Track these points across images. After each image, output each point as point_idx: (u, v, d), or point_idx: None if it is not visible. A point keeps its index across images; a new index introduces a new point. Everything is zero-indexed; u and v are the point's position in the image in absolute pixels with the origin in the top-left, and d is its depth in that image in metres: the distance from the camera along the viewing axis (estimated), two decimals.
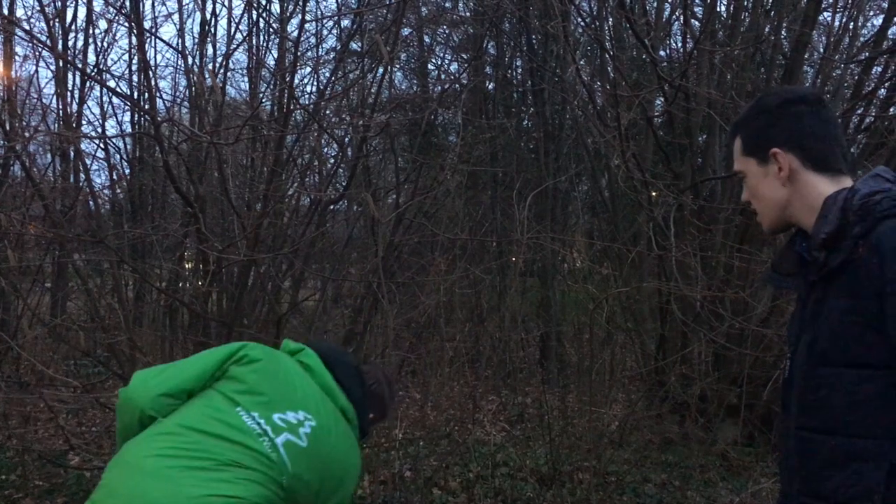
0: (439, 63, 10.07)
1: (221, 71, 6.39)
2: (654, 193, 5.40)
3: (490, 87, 9.93)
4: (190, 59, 6.89)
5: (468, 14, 8.83)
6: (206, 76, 4.90)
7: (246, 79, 7.86)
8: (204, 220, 4.68)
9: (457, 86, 9.83)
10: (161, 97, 6.42)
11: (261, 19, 6.65)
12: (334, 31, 8.74)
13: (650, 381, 5.65)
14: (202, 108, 5.93)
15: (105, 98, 7.60)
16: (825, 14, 6.26)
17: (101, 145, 6.91)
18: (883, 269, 1.47)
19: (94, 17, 7.10)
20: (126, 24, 6.06)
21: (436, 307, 5.63)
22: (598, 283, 6.14)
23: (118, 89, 6.66)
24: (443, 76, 9.94)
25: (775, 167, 1.70)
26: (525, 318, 7.73)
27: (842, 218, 1.58)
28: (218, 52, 7.71)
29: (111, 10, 5.99)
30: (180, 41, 7.78)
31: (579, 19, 6.82)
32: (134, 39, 6.94)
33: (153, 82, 5.45)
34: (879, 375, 1.48)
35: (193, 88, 6.02)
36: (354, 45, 7.72)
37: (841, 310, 1.54)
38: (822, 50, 6.78)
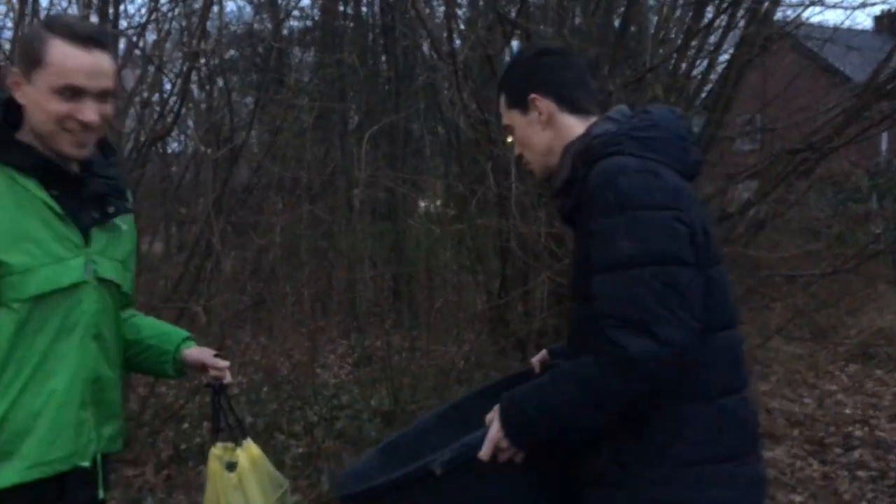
0: None
1: None
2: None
3: (343, 24, 9.66)
4: None
5: None
6: None
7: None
8: None
9: (308, 23, 9.52)
10: None
11: None
12: None
13: (494, 319, 5.74)
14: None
15: None
16: None
17: None
18: (591, 207, 1.60)
19: None
20: None
21: (278, 249, 5.47)
22: (445, 224, 6.15)
23: None
24: (294, 12, 9.58)
25: (536, 113, 1.82)
26: (375, 260, 7.69)
27: (573, 164, 1.72)
28: None
29: None
30: None
31: None
32: None
33: None
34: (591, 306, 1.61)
35: None
36: None
37: (576, 248, 1.72)
38: None
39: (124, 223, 1.92)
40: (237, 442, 2.05)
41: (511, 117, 1.87)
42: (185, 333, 2.12)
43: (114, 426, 1.90)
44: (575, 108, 1.81)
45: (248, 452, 2.05)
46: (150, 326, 2.11)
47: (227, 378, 2.07)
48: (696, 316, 1.52)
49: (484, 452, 1.58)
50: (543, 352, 2.16)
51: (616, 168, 1.59)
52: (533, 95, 1.80)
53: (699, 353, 1.54)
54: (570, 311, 1.79)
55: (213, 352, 2.10)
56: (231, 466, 2.01)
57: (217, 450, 2.03)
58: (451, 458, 1.58)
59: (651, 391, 1.51)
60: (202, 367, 2.07)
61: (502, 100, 1.89)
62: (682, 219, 1.56)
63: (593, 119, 1.80)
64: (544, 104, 1.80)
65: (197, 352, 2.07)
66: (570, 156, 1.73)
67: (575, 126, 1.79)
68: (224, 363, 2.07)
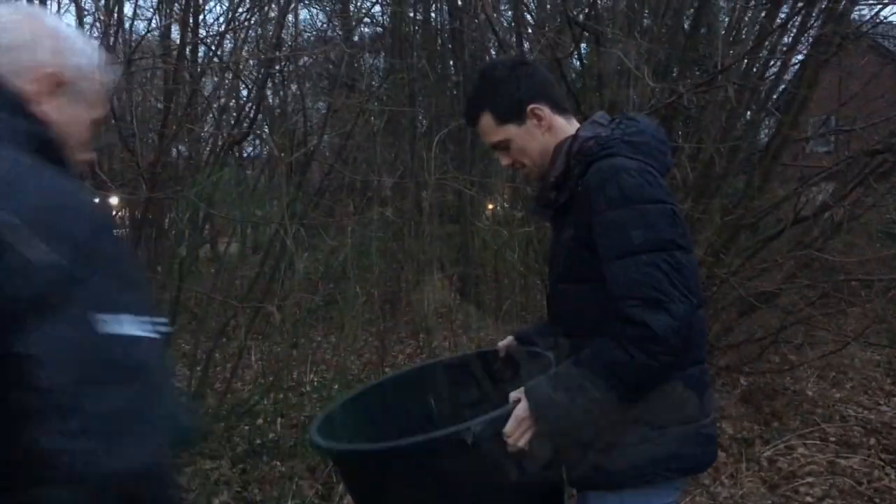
0: (360, 4, 9.83)
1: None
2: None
3: (412, 30, 9.77)
4: None
5: None
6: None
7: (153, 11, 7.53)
8: (99, 160, 4.53)
9: (378, 29, 9.67)
10: None
11: None
12: None
13: None
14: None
15: None
16: None
17: None
18: (591, 202, 1.78)
19: None
20: None
21: (349, 250, 5.60)
22: (512, 226, 6.18)
23: None
24: (365, 18, 9.75)
25: (534, 121, 1.94)
26: (443, 262, 7.76)
27: (566, 162, 1.89)
28: None
29: None
30: None
31: None
32: None
33: None
34: (596, 288, 1.78)
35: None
36: None
37: (569, 237, 1.88)
38: None
39: None
40: None
41: (505, 132, 1.95)
42: None
43: None
44: (561, 110, 1.97)
45: None
46: None
47: None
48: (695, 293, 1.72)
49: (509, 428, 1.71)
50: (510, 337, 2.32)
51: (618, 167, 1.77)
52: (533, 105, 1.92)
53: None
54: (557, 292, 1.97)
55: None
56: None
57: None
58: (481, 430, 1.67)
59: (672, 362, 1.68)
60: None
61: (487, 120, 1.95)
62: (677, 212, 1.78)
63: (572, 117, 1.99)
64: (544, 112, 1.93)
65: None
66: (564, 154, 1.89)
67: (565, 126, 1.95)
68: None
